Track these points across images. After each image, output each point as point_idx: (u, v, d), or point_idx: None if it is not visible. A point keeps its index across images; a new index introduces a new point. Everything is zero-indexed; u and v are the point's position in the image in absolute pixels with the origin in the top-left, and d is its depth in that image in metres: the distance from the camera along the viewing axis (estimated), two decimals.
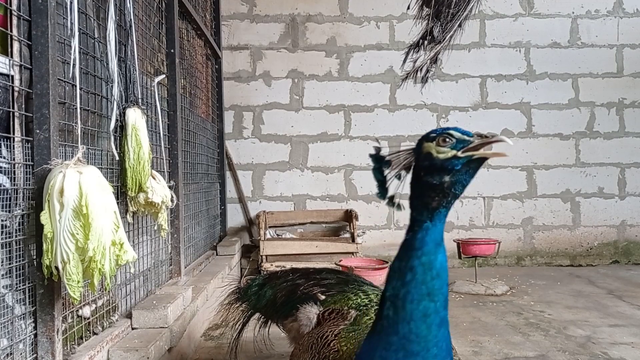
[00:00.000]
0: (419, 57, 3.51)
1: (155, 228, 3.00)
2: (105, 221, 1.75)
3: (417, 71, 3.56)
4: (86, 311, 2.20)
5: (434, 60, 3.53)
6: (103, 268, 1.74)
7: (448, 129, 1.36)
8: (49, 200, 1.70)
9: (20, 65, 1.80)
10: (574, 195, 5.94)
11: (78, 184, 1.71)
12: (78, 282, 1.70)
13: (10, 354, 1.72)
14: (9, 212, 1.74)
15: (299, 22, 5.89)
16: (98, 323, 2.30)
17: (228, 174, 5.82)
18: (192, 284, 3.43)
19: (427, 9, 3.41)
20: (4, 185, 1.74)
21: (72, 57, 2.00)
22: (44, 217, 1.68)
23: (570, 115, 5.98)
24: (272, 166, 5.88)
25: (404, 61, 3.71)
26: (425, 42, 3.47)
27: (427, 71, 3.61)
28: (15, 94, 1.79)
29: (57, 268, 1.70)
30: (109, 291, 2.41)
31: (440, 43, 3.36)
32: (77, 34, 2.01)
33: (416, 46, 3.59)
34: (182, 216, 3.52)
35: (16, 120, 1.80)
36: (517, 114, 5.96)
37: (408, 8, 3.51)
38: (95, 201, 1.72)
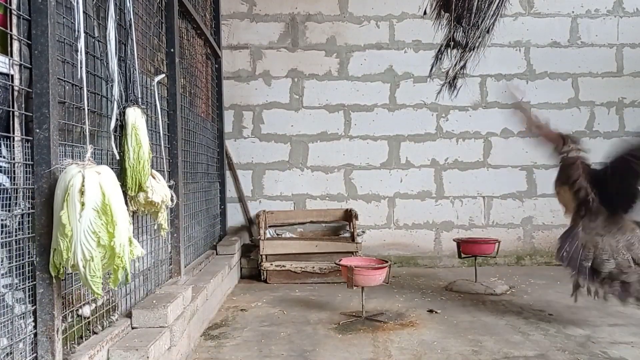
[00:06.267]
0: (450, 68, 3.46)
1: (155, 227, 3.01)
2: (123, 219, 1.84)
3: (450, 81, 3.52)
4: (86, 310, 2.20)
5: (463, 66, 3.50)
6: (125, 263, 1.82)
7: None
8: (67, 200, 1.74)
9: (20, 65, 1.80)
10: None
11: (99, 184, 1.77)
12: (99, 278, 1.78)
13: (10, 353, 1.72)
14: (9, 211, 1.75)
15: (298, 21, 5.89)
16: (98, 322, 2.30)
17: (228, 173, 5.82)
18: (192, 284, 3.43)
19: (446, 14, 3.35)
20: (3, 185, 1.74)
21: (79, 58, 2.01)
22: (64, 217, 1.72)
23: (570, 115, 5.98)
24: (272, 165, 5.88)
25: (431, 70, 3.67)
26: (450, 49, 3.43)
27: (457, 78, 3.57)
28: (15, 93, 1.79)
29: (72, 266, 1.75)
30: (108, 290, 2.41)
31: (472, 50, 3.31)
32: (82, 35, 2.01)
33: (440, 53, 3.55)
34: (182, 215, 3.52)
35: (16, 120, 1.80)
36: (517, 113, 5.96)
37: (425, 13, 3.45)
38: (116, 200, 1.81)
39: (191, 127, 4.22)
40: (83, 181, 1.74)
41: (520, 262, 5.89)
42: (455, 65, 3.44)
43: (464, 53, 3.40)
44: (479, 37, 3.31)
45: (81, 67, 2.01)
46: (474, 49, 3.36)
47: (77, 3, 2.01)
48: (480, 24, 3.25)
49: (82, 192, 1.74)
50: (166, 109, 3.43)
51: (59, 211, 1.74)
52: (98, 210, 1.75)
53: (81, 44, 2.00)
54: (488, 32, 3.35)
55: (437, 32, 3.47)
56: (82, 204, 1.73)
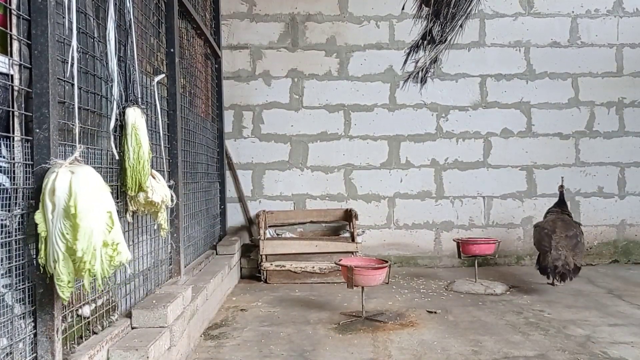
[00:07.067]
0: (420, 58, 3.52)
1: (155, 227, 3.01)
2: (95, 221, 1.73)
3: (418, 72, 3.57)
4: (86, 310, 2.20)
5: (434, 60, 3.55)
6: (93, 269, 1.72)
7: None
8: (42, 200, 1.71)
9: (20, 65, 1.80)
10: (573, 194, 5.94)
11: (69, 183, 1.70)
12: (68, 282, 1.70)
13: (10, 353, 1.72)
14: (9, 211, 1.75)
15: (298, 21, 5.89)
16: (98, 322, 2.30)
17: (228, 173, 5.82)
18: (192, 284, 3.43)
19: (426, 9, 3.42)
20: (3, 185, 1.74)
21: (70, 55, 1.99)
22: (38, 217, 1.69)
23: (570, 115, 5.98)
24: (271, 165, 5.88)
25: (405, 62, 3.73)
26: (425, 42, 3.49)
27: (427, 71, 3.62)
28: (15, 93, 1.79)
29: (51, 268, 1.70)
30: (108, 290, 2.41)
31: (442, 43, 3.37)
32: (74, 32, 2.01)
33: (416, 47, 3.60)
34: (182, 215, 3.52)
35: (16, 120, 1.80)
36: (517, 113, 5.96)
37: (403, 8, 3.52)
38: (84, 201, 1.70)
39: (191, 127, 4.22)
40: (55, 180, 1.70)
41: (520, 262, 5.89)
42: (426, 57, 3.49)
43: (436, 46, 3.45)
44: (453, 30, 3.36)
45: (72, 65, 1.99)
46: (445, 42, 3.41)
47: (71, 1, 2.00)
48: (457, 18, 3.31)
49: (53, 192, 1.69)
50: (166, 109, 3.43)
51: (35, 211, 1.71)
52: (65, 210, 1.69)
53: (73, 42, 1.99)
54: (461, 26, 3.41)
55: (414, 26, 3.54)
56: (54, 204, 1.68)
